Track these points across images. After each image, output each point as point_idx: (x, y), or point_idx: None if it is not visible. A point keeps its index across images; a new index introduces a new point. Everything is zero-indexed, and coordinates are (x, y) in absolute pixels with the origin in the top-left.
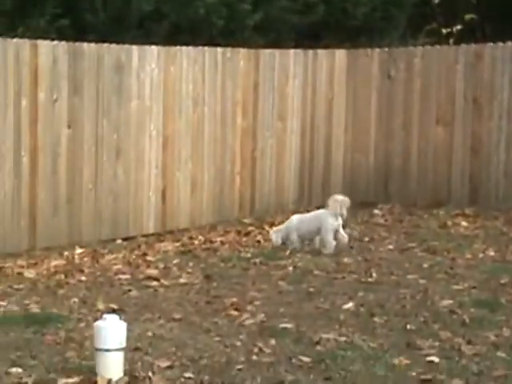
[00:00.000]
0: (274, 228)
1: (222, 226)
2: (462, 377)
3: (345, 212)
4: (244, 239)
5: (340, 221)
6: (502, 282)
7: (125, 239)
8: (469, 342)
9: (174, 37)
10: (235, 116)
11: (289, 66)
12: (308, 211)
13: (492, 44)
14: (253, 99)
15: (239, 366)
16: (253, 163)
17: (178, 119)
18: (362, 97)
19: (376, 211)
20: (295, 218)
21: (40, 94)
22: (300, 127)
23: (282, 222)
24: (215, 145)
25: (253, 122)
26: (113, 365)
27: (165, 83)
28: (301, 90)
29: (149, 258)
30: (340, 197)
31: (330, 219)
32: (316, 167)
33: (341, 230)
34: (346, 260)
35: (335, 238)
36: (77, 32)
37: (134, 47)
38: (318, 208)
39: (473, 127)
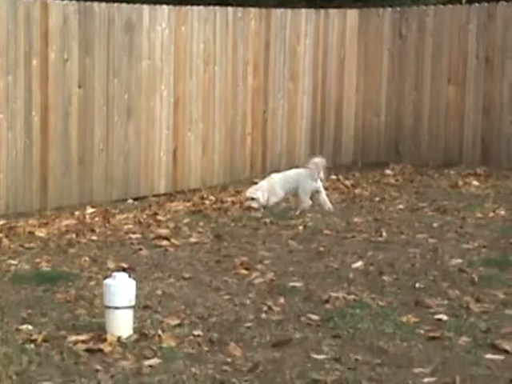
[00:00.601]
0: (253, 187)
1: (233, 186)
2: (470, 334)
3: (323, 175)
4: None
5: (319, 183)
6: None
7: (136, 199)
8: (477, 300)
9: None
10: (246, 76)
11: (300, 25)
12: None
13: (505, 3)
14: (264, 59)
15: (248, 324)
16: (264, 123)
17: (189, 79)
18: (373, 56)
19: (387, 171)
20: (276, 176)
21: (51, 53)
22: (311, 87)
23: None
24: (226, 105)
25: (264, 82)
26: (122, 322)
27: (175, 43)
28: (312, 50)
29: (159, 217)
30: (319, 159)
31: (309, 180)
32: (327, 127)
33: (323, 195)
34: (356, 219)
35: (316, 200)
36: None
37: (145, 7)
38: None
39: (485, 87)
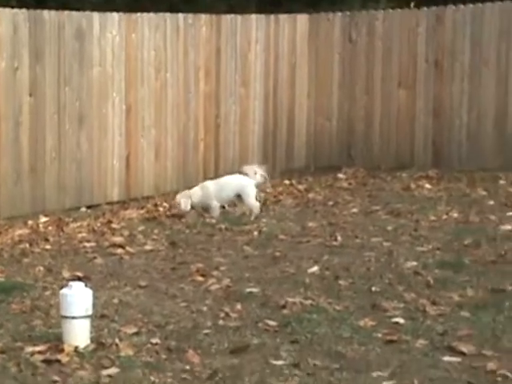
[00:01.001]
0: (180, 193)
1: None
2: (427, 337)
3: (260, 179)
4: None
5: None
6: (466, 243)
7: (89, 207)
8: (433, 303)
9: (134, 3)
10: (198, 82)
11: (251, 31)
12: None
13: (453, 7)
14: (215, 65)
15: (206, 331)
16: (216, 129)
17: (141, 86)
18: (324, 61)
19: (340, 175)
20: (210, 183)
21: (1, 62)
22: (263, 92)
23: None
24: (178, 111)
25: (216, 87)
26: (79, 332)
27: (126, 50)
28: (263, 56)
29: (113, 225)
30: (258, 169)
31: (250, 184)
32: (279, 132)
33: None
34: (310, 224)
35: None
36: None
37: (95, 14)
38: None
39: (435, 90)
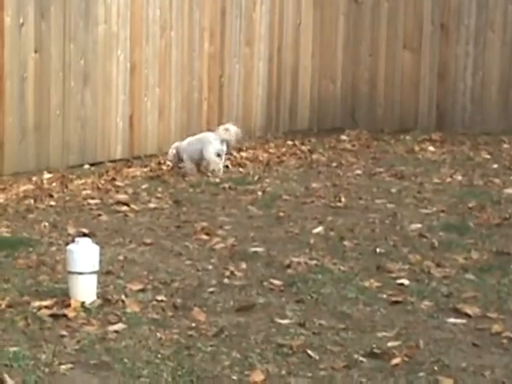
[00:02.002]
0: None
1: None
2: (432, 298)
3: (230, 138)
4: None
5: (224, 147)
6: (470, 205)
7: (92, 165)
8: (438, 265)
9: None
10: (202, 42)
11: None
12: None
13: None
14: (220, 25)
15: (211, 289)
16: (220, 89)
17: (146, 45)
18: (329, 22)
19: (343, 137)
20: (187, 139)
21: (6, 18)
22: (267, 53)
23: (249, 148)
24: (183, 71)
25: (220, 47)
26: (86, 288)
27: (132, 8)
28: (268, 16)
29: (117, 183)
30: (232, 127)
31: (214, 141)
32: (283, 93)
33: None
34: (314, 185)
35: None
36: None
37: None
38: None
39: (440, 53)
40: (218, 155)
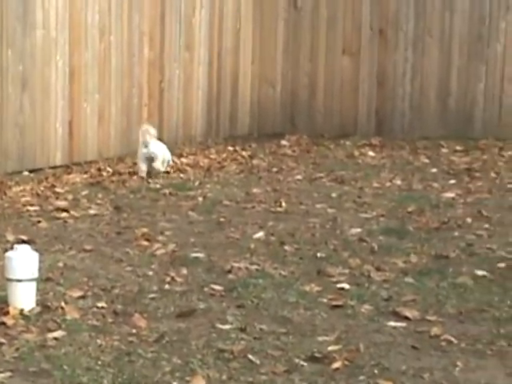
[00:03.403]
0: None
1: (130, 158)
2: (372, 302)
3: (149, 140)
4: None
5: (151, 149)
6: (409, 209)
7: (31, 171)
8: (378, 269)
9: None
10: (142, 47)
11: None
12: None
13: None
14: (159, 30)
15: (152, 295)
16: (160, 95)
17: (85, 50)
18: (268, 27)
19: (283, 142)
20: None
21: None
22: (207, 58)
23: (190, 154)
24: (122, 76)
25: (160, 52)
26: (25, 295)
27: (70, 12)
28: (208, 21)
29: (57, 189)
30: (145, 126)
31: (139, 148)
32: (223, 98)
33: (156, 161)
34: (255, 190)
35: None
36: None
37: None
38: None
39: (379, 58)
40: (147, 159)
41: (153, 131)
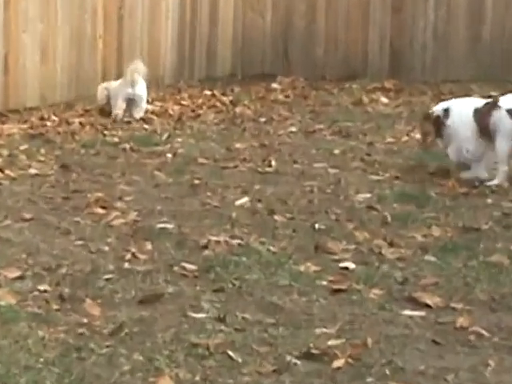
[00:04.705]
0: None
1: (81, 103)
2: (383, 286)
3: (137, 79)
4: (109, 120)
5: (137, 91)
6: (431, 170)
7: None
8: (391, 244)
9: None
10: None
11: None
12: None
13: None
14: None
15: (108, 276)
16: (119, 24)
17: None
18: None
19: (274, 85)
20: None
21: None
22: None
23: (156, 100)
24: (71, 2)
25: None
26: None
27: None
28: None
29: None
30: (135, 63)
31: (121, 86)
32: (199, 29)
33: (140, 103)
34: (238, 145)
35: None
36: None
37: None
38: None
39: None
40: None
41: (142, 69)
